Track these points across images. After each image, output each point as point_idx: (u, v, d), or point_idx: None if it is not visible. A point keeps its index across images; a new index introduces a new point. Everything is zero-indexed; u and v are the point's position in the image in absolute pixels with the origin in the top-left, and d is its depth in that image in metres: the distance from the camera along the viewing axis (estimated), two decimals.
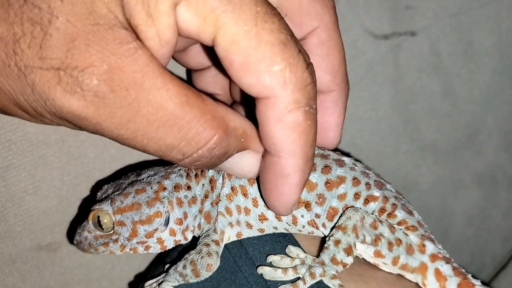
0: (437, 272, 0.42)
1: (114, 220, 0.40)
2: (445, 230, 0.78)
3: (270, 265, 0.40)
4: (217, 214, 0.41)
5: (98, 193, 0.44)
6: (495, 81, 0.75)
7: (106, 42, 0.29)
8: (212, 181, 0.42)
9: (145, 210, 0.40)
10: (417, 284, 0.43)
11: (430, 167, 0.74)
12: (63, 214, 0.49)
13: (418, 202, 0.72)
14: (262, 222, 0.42)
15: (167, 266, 0.44)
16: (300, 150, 0.33)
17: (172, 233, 0.42)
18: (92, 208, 0.41)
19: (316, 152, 0.42)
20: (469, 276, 0.42)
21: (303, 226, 0.42)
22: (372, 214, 0.42)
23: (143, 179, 0.42)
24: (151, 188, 0.41)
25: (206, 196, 0.42)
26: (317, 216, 0.41)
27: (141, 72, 0.30)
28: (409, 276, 0.42)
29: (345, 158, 0.43)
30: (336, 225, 0.41)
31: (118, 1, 0.29)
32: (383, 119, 0.68)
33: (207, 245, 0.40)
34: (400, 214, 0.42)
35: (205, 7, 0.30)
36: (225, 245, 0.42)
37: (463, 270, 0.42)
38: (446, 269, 0.42)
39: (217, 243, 0.40)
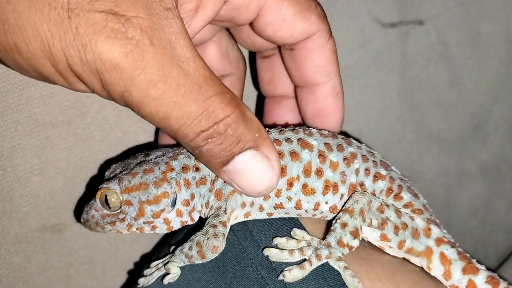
0: (442, 256, 0.42)
1: (121, 199, 0.40)
2: (448, 220, 0.78)
3: (276, 247, 0.40)
4: (232, 193, 0.41)
5: (106, 172, 0.44)
6: (502, 72, 0.75)
7: (152, 1, 0.31)
8: None
9: (153, 190, 0.40)
10: (421, 268, 0.43)
11: (435, 157, 0.73)
12: (68, 195, 0.49)
13: (422, 192, 0.72)
14: (275, 209, 0.42)
15: (172, 247, 0.44)
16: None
17: (179, 214, 0.42)
18: (99, 187, 0.41)
19: (326, 133, 0.43)
20: (474, 261, 0.42)
21: (321, 212, 0.42)
22: (381, 193, 0.42)
23: (151, 160, 0.42)
24: (159, 168, 0.41)
25: (217, 177, 0.42)
26: (342, 197, 0.42)
27: (175, 36, 0.32)
28: (414, 260, 0.42)
29: (351, 138, 0.44)
30: (343, 208, 0.41)
31: None
32: (389, 107, 0.67)
33: (214, 226, 0.40)
34: (406, 196, 0.43)
35: None
36: (231, 227, 0.42)
37: (468, 255, 0.42)
38: (451, 253, 0.42)
39: (224, 224, 0.40)
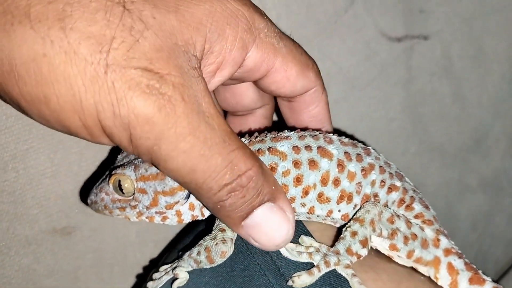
0: (450, 266, 0.43)
1: (135, 186, 0.40)
2: (449, 232, 0.77)
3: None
4: None
5: (118, 156, 0.43)
6: (504, 88, 0.76)
7: (182, 60, 0.33)
8: None
9: (169, 182, 0.40)
10: (426, 277, 0.44)
11: (437, 170, 0.74)
12: (79, 198, 0.49)
13: None
14: None
15: (180, 252, 0.44)
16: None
17: (192, 207, 0.42)
18: (114, 172, 0.40)
19: (346, 140, 0.44)
20: (480, 272, 0.43)
21: (333, 219, 0.43)
22: (393, 204, 0.43)
23: None
24: None
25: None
26: (355, 207, 0.42)
27: (201, 94, 0.34)
28: (422, 269, 0.43)
29: (370, 147, 0.45)
30: (354, 217, 0.41)
31: (203, 34, 0.35)
32: (393, 119, 0.68)
33: (223, 230, 0.40)
34: (417, 207, 0.43)
35: (267, 46, 0.40)
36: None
37: (474, 266, 0.43)
38: (458, 263, 0.43)
39: None
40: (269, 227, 0.37)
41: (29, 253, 0.48)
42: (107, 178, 0.41)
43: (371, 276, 0.41)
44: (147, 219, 0.42)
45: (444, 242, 0.43)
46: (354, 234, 0.40)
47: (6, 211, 0.46)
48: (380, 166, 0.43)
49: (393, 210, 0.43)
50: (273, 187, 0.37)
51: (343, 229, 0.41)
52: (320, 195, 0.42)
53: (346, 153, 0.43)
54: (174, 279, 0.42)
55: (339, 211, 0.42)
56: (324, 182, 0.42)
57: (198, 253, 0.40)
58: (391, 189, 0.43)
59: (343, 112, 0.64)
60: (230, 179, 0.35)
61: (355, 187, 0.42)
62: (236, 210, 0.36)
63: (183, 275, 0.41)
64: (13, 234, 0.47)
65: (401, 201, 0.43)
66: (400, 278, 0.42)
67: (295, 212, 0.42)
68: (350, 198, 0.42)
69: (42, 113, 0.33)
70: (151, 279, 0.43)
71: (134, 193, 0.40)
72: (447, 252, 0.43)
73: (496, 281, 0.80)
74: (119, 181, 0.40)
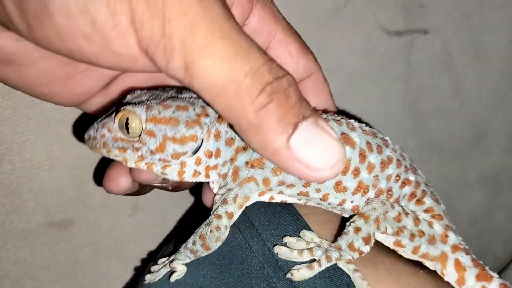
0: (457, 263, 0.42)
1: (143, 127, 0.37)
2: None
3: (285, 245, 0.40)
4: (248, 180, 0.40)
5: (128, 95, 0.39)
6: (503, 84, 0.76)
7: None
8: None
9: (182, 129, 0.37)
10: (426, 271, 0.43)
11: (436, 165, 0.74)
12: (76, 192, 0.49)
13: None
14: (298, 195, 0.41)
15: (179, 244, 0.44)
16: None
17: (198, 162, 0.39)
18: (123, 108, 0.37)
19: (366, 129, 0.42)
20: (487, 268, 0.43)
21: (343, 208, 0.42)
22: (404, 197, 0.42)
23: (185, 98, 0.38)
24: (194, 109, 0.38)
25: (244, 149, 0.40)
26: (368, 200, 0.41)
27: (227, 8, 0.31)
28: (428, 263, 0.43)
29: (387, 138, 0.43)
30: (359, 212, 0.41)
31: None
32: (392, 115, 0.68)
33: (219, 217, 0.39)
34: (428, 202, 0.43)
35: (269, 11, 0.40)
36: (236, 226, 0.42)
37: (481, 262, 0.43)
38: (465, 260, 0.42)
39: (230, 216, 0.39)
40: (322, 143, 0.32)
41: (26, 246, 0.48)
42: (113, 114, 0.38)
43: (370, 270, 0.40)
44: (145, 165, 0.38)
45: (452, 238, 0.43)
46: (357, 230, 0.39)
47: (2, 204, 0.46)
48: (397, 160, 0.42)
49: (402, 207, 0.42)
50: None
51: (347, 224, 0.40)
52: (338, 183, 0.40)
53: (368, 143, 0.41)
54: (172, 272, 0.41)
55: (352, 202, 0.41)
56: (344, 170, 0.40)
57: (194, 243, 0.39)
58: (404, 183, 0.42)
59: (342, 107, 0.64)
60: (270, 78, 0.31)
61: (372, 180, 0.41)
62: (282, 117, 0.32)
63: (180, 268, 0.41)
64: (9, 227, 0.47)
65: (412, 195, 0.43)
66: (399, 272, 0.41)
67: (308, 196, 0.41)
68: (366, 190, 0.41)
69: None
70: (149, 272, 0.43)
71: (140, 135, 0.38)
72: (455, 248, 0.42)
73: None
74: (127, 118, 0.37)
